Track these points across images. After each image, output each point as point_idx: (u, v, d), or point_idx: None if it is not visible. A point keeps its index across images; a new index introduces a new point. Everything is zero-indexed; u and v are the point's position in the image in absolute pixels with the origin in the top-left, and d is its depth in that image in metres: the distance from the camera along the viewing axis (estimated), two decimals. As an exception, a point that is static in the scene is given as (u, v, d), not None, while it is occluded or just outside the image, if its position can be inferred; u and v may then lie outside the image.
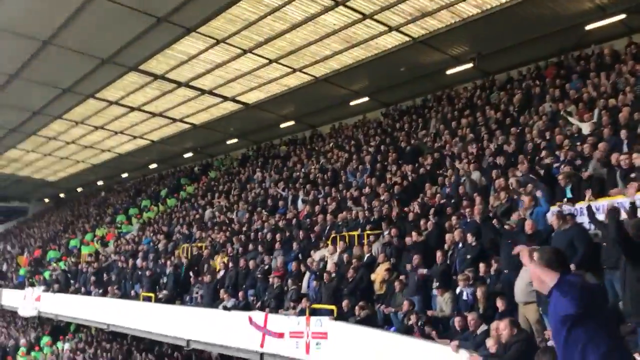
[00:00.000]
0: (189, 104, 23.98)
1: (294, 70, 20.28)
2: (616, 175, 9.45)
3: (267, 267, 14.45)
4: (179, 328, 15.43)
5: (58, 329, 25.93)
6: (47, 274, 26.05)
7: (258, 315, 12.69)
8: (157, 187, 32.75)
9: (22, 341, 26.67)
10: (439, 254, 10.62)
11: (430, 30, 16.96)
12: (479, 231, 10.31)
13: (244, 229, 18.21)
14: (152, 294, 17.24)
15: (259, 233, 16.85)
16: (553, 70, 16.85)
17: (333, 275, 12.20)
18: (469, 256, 10.09)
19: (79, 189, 41.25)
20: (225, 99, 23.21)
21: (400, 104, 22.36)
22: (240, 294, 14.07)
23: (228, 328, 13.59)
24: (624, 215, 7.54)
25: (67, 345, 24.62)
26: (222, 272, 15.67)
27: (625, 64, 14.27)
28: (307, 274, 13.18)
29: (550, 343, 6.62)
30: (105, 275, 21.43)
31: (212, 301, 14.91)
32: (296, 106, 24.10)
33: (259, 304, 13.53)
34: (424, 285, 10.62)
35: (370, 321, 10.67)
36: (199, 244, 19.21)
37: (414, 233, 11.56)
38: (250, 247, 16.15)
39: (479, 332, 8.13)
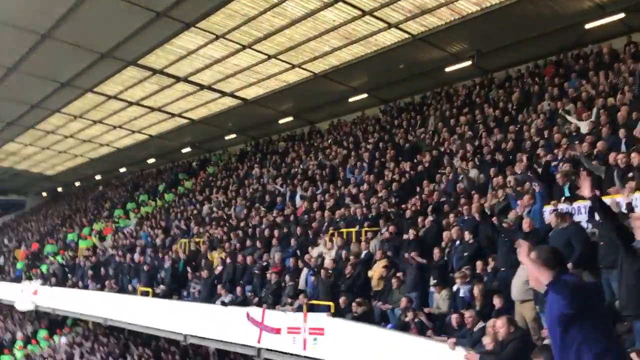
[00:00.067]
0: (188, 99, 23.95)
1: (293, 66, 20.26)
2: (614, 175, 9.47)
3: (265, 263, 14.47)
4: (176, 323, 15.44)
5: (55, 322, 25.92)
6: (44, 268, 26.04)
7: (255, 311, 12.71)
8: (155, 182, 32.74)
9: (19, 335, 26.65)
10: (436, 251, 10.65)
11: (429, 27, 16.96)
12: (476, 229, 10.34)
13: (242, 224, 18.21)
14: (149, 289, 17.25)
15: (257, 229, 16.86)
16: (552, 68, 16.86)
17: (330, 271, 12.23)
18: (466, 254, 10.11)
19: (77, 183, 41.19)
20: (224, 94, 23.19)
21: (399, 101, 22.35)
22: (238, 289, 14.10)
23: (225, 323, 13.61)
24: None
25: (64, 339, 24.62)
26: (219, 268, 15.69)
27: (624, 63, 14.29)
28: (305, 270, 13.20)
29: (547, 341, 6.65)
30: (102, 269, 21.42)
31: (210, 296, 14.93)
32: (295, 102, 24.09)
33: (256, 299, 13.56)
34: (421, 281, 10.65)
35: (367, 318, 10.69)
36: (197, 239, 19.21)
37: (411, 230, 11.57)
38: (248, 242, 16.16)
39: (475, 329, 8.16)
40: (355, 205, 14.75)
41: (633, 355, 5.81)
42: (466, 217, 11.06)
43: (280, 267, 14.01)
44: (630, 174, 9.11)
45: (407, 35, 17.48)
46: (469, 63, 18.40)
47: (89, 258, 23.28)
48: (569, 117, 13.10)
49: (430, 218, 11.91)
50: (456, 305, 9.37)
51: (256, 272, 14.30)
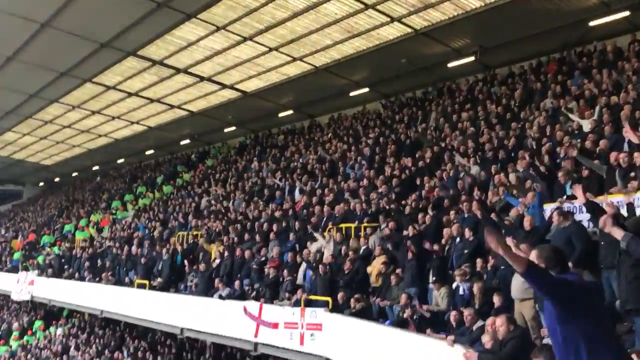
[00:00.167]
0: (187, 90, 23.81)
1: (294, 59, 20.14)
2: (615, 174, 9.39)
3: (263, 258, 14.39)
4: (173, 316, 15.38)
5: (51, 313, 25.88)
6: (41, 259, 25.97)
7: (253, 305, 12.66)
8: (153, 173, 32.64)
9: (15, 325, 26.64)
10: (435, 247, 10.58)
11: (432, 22, 16.84)
12: (476, 226, 10.26)
13: (240, 218, 18.12)
14: (146, 282, 17.18)
15: (256, 223, 16.78)
16: (555, 65, 16.77)
17: (328, 267, 12.16)
18: (466, 251, 10.05)
19: (74, 174, 41.07)
20: (224, 86, 23.06)
21: (401, 96, 22.24)
22: (237, 283, 14.03)
23: (222, 317, 13.56)
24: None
25: (60, 330, 24.59)
26: (217, 261, 15.62)
27: (628, 61, 14.19)
28: (303, 265, 13.13)
29: (546, 340, 6.59)
30: (99, 261, 21.37)
31: (207, 290, 14.87)
32: (295, 95, 23.96)
33: (254, 293, 13.50)
34: (420, 278, 10.59)
35: (365, 314, 10.64)
36: (195, 232, 19.14)
37: (410, 227, 11.49)
38: (247, 236, 16.09)
39: (474, 328, 8.09)
40: (354, 201, 14.67)
41: (634, 355, 5.74)
42: (466, 215, 10.99)
43: (279, 261, 13.95)
44: (633, 174, 9.02)
45: (409, 30, 17.35)
46: (471, 59, 18.29)
47: (85, 249, 23.22)
48: (571, 115, 13.02)
49: (430, 214, 11.84)
50: (455, 303, 9.31)
51: (254, 266, 14.23)
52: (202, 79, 22.33)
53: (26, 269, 25.37)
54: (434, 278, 10.14)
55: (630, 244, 4.99)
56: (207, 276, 15.28)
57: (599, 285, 7.88)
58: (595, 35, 16.41)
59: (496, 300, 8.39)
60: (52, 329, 25.15)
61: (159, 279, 17.10)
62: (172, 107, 25.93)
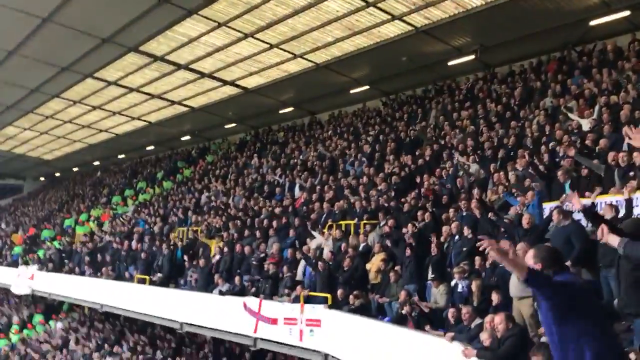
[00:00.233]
0: (188, 86, 23.82)
1: (295, 56, 20.15)
2: (614, 173, 9.43)
3: (262, 255, 14.46)
4: (172, 311, 15.47)
5: (51, 307, 25.96)
6: (41, 253, 26.03)
7: (252, 301, 12.73)
8: (154, 169, 32.67)
9: (15, 319, 26.71)
10: (434, 245, 10.63)
11: (433, 20, 16.85)
12: (475, 224, 10.33)
13: (240, 214, 18.18)
14: (146, 277, 17.25)
15: (256, 219, 16.84)
16: (555, 65, 16.80)
17: (328, 263, 12.22)
18: (464, 249, 10.11)
19: (75, 169, 41.10)
20: (225, 82, 23.07)
21: (401, 94, 22.27)
22: (237, 279, 14.10)
23: (222, 312, 13.64)
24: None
25: (59, 324, 24.67)
26: (217, 257, 15.68)
27: (628, 60, 14.21)
28: (303, 261, 13.19)
29: (544, 339, 6.65)
30: (99, 256, 21.43)
31: (207, 285, 14.94)
32: (296, 92, 23.99)
33: (253, 289, 13.57)
34: (419, 275, 10.65)
35: (364, 310, 10.70)
36: (195, 228, 19.20)
37: (409, 225, 11.55)
38: (247, 232, 16.14)
39: (472, 325, 8.16)
40: (354, 198, 14.73)
41: (632, 354, 5.80)
42: (465, 213, 11.04)
43: (278, 257, 14.01)
44: (632, 173, 9.07)
45: (410, 28, 17.37)
46: (472, 57, 18.32)
47: (86, 244, 23.28)
48: (570, 115, 13.06)
49: (429, 212, 11.89)
50: (454, 300, 9.37)
51: (254, 262, 14.29)
52: (203, 75, 22.33)
53: (26, 263, 25.43)
54: (432, 275, 10.20)
55: (626, 248, 5.03)
56: (206, 271, 15.35)
57: (596, 284, 7.97)
58: (595, 34, 16.43)
59: (495, 298, 8.44)
60: (52, 322, 25.24)
61: (159, 274, 17.17)
62: (172, 103, 25.94)
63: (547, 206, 9.69)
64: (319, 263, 12.22)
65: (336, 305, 11.14)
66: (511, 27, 16.73)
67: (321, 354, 10.87)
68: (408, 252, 10.79)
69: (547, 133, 12.82)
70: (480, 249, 3.74)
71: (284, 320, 11.73)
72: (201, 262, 15.78)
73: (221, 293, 14.03)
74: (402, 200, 13.38)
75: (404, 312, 9.59)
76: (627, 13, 15.03)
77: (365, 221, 13.23)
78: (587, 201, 8.68)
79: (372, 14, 16.76)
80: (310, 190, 17.24)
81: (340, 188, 16.14)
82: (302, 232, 14.55)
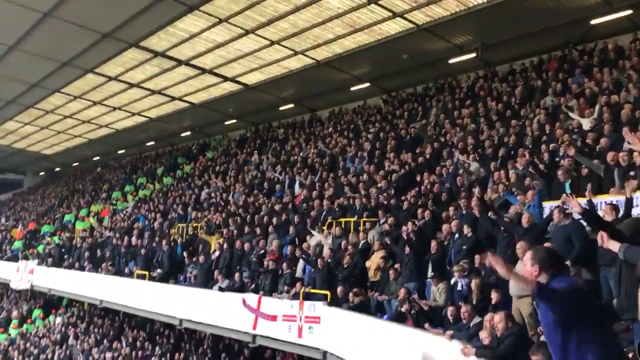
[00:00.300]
0: (189, 82, 23.80)
1: (296, 53, 20.13)
2: (614, 173, 9.42)
3: (262, 251, 14.47)
4: (172, 307, 15.48)
5: (50, 302, 25.99)
6: (41, 248, 26.06)
7: (251, 298, 12.75)
8: (154, 164, 32.67)
9: (14, 314, 26.74)
10: (433, 243, 10.64)
11: (434, 17, 16.82)
12: (475, 222, 10.33)
13: (240, 210, 18.19)
14: (146, 272, 17.26)
15: (256, 216, 16.85)
16: (556, 63, 16.78)
17: (327, 261, 12.23)
18: (464, 247, 10.12)
19: (75, 164, 41.10)
20: (225, 79, 23.05)
21: (402, 91, 22.25)
22: (236, 275, 14.11)
23: (221, 309, 13.66)
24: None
25: (59, 319, 24.70)
26: (216, 253, 15.69)
27: (630, 60, 14.20)
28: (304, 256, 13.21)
29: (544, 338, 6.66)
30: (99, 251, 21.45)
31: (206, 281, 14.96)
32: (296, 89, 23.97)
33: (253, 286, 13.58)
34: (418, 273, 10.66)
35: (363, 308, 10.72)
36: (195, 224, 19.21)
37: (409, 223, 11.55)
38: (246, 229, 16.15)
39: (472, 324, 8.17)
40: (354, 195, 14.73)
41: (632, 355, 5.81)
42: (464, 212, 11.04)
43: (278, 254, 14.02)
44: (632, 173, 9.06)
45: (411, 25, 17.34)
46: (473, 55, 18.30)
47: (85, 239, 23.29)
48: (571, 114, 13.05)
49: (429, 210, 11.90)
50: (453, 299, 9.38)
51: (253, 259, 14.31)
52: (203, 71, 22.32)
53: (26, 257, 25.47)
54: (432, 273, 10.21)
55: (626, 253, 5.04)
56: (206, 268, 15.36)
57: (595, 283, 7.97)
58: (596, 33, 16.41)
59: (494, 296, 8.45)
60: (51, 317, 25.27)
61: (159, 270, 17.19)
62: (173, 98, 25.92)
63: (547, 205, 9.69)
64: (318, 260, 12.24)
65: (335, 302, 11.15)
66: (512, 25, 16.71)
67: (320, 351, 10.90)
68: (407, 250, 10.80)
69: (547, 132, 12.81)
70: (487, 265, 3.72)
71: (283, 317, 11.76)
72: (201, 258, 15.80)
73: (221, 289, 14.05)
74: (402, 198, 13.39)
75: (403, 309, 9.60)
76: (628, 12, 15.02)
77: (365, 219, 13.24)
78: (584, 200, 8.69)
79: (373, 11, 16.73)
80: (310, 187, 17.24)
81: (340, 185, 16.14)
82: (301, 229, 14.57)
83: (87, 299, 21.00)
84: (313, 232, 14.07)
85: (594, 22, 15.65)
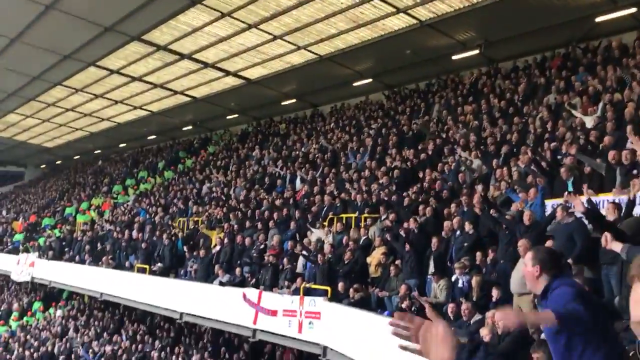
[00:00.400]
0: (191, 76, 23.78)
1: (299, 48, 20.09)
2: (616, 172, 9.39)
3: (262, 246, 14.47)
4: (172, 301, 15.49)
5: (51, 295, 26.02)
6: (41, 241, 26.08)
7: (252, 292, 12.75)
8: (155, 158, 32.66)
9: (15, 306, 26.79)
10: (434, 240, 10.62)
11: (438, 13, 16.78)
12: (476, 219, 10.31)
13: (241, 205, 18.19)
14: (146, 266, 17.28)
15: (257, 210, 16.84)
16: (559, 61, 16.73)
17: (328, 257, 12.23)
18: (465, 244, 10.10)
19: (76, 157, 41.12)
20: (228, 73, 23.02)
21: (404, 87, 22.20)
22: (237, 270, 14.12)
23: (221, 303, 13.66)
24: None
25: (59, 312, 24.74)
26: (217, 248, 15.70)
27: (634, 58, 14.14)
28: (304, 253, 13.20)
29: (544, 336, 6.65)
30: (99, 244, 21.46)
31: (207, 276, 14.97)
32: (298, 84, 23.94)
33: (253, 280, 13.59)
34: (419, 270, 10.65)
35: (364, 304, 10.71)
36: (196, 218, 19.21)
37: (411, 220, 11.53)
38: (247, 224, 16.15)
39: (472, 321, 8.17)
40: (355, 191, 14.72)
41: (632, 353, 5.80)
42: (466, 209, 11.02)
43: (279, 249, 14.02)
44: (635, 171, 9.03)
45: (415, 21, 17.29)
46: (476, 52, 18.25)
47: (86, 233, 23.31)
48: (574, 112, 13.00)
49: (431, 207, 11.87)
50: (454, 296, 9.37)
51: (254, 254, 14.30)
52: (206, 65, 22.28)
53: (27, 250, 25.51)
54: (433, 270, 10.20)
55: (629, 253, 5.02)
56: (207, 262, 15.37)
57: (596, 282, 7.95)
58: (600, 31, 16.34)
59: (495, 293, 8.45)
60: (51, 310, 25.31)
61: (159, 264, 17.20)
62: (175, 92, 25.91)
63: (549, 203, 9.66)
64: (318, 256, 12.23)
65: (336, 298, 11.15)
66: (516, 22, 16.65)
67: (320, 347, 10.89)
68: (407, 247, 10.78)
69: (550, 130, 12.77)
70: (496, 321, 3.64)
71: (284, 312, 11.75)
72: (201, 252, 15.80)
73: (221, 284, 14.05)
74: (404, 194, 13.36)
75: (403, 306, 9.60)
76: (633, 10, 14.96)
77: (366, 215, 13.23)
78: (585, 198, 8.67)
79: (376, 6, 16.68)
80: (312, 182, 17.22)
81: (342, 181, 16.13)
82: (302, 225, 14.56)
83: (87, 292, 21.02)
84: (313, 230, 14.05)
85: (598, 19, 15.59)
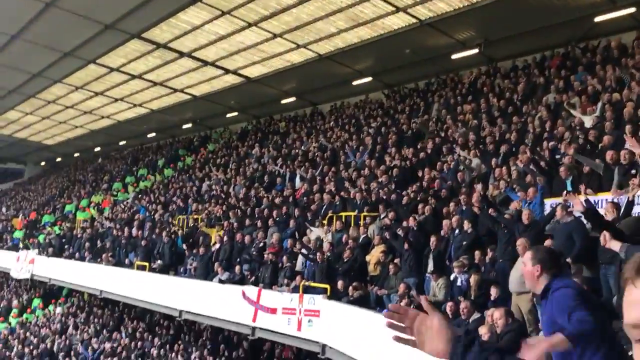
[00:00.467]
0: (191, 74, 23.79)
1: (298, 46, 20.10)
2: (614, 171, 9.42)
3: (261, 244, 14.51)
4: (172, 298, 15.53)
5: (50, 292, 26.07)
6: (41, 238, 26.10)
7: (251, 290, 12.78)
8: (155, 156, 32.68)
9: (15, 303, 26.82)
10: (433, 239, 10.66)
11: (438, 13, 16.79)
12: (475, 218, 10.35)
13: (241, 203, 18.22)
14: (146, 264, 17.31)
15: (256, 208, 16.88)
16: (558, 60, 16.76)
17: (327, 255, 12.27)
18: (464, 243, 10.14)
19: (76, 154, 41.11)
20: (227, 71, 23.03)
21: (404, 86, 22.22)
22: (236, 268, 14.15)
23: (221, 301, 13.70)
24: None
25: (59, 309, 24.78)
26: (217, 245, 15.73)
27: (633, 58, 14.17)
28: (304, 251, 13.23)
29: (542, 334, 6.69)
30: (99, 242, 21.49)
31: (206, 274, 15.00)
32: (298, 82, 23.95)
33: (253, 278, 13.62)
34: (418, 268, 10.69)
35: (363, 302, 10.75)
36: (195, 216, 19.25)
37: (411, 218, 11.57)
38: (247, 222, 16.18)
39: (471, 320, 8.20)
40: (354, 190, 14.75)
41: (631, 353, 5.83)
42: (465, 208, 11.05)
43: (278, 247, 14.06)
44: (633, 171, 9.06)
45: (414, 20, 17.31)
46: (475, 51, 18.26)
47: (86, 230, 23.33)
48: (573, 111, 13.04)
49: (430, 205, 11.91)
50: (453, 294, 9.41)
51: (253, 252, 14.34)
52: (205, 63, 22.29)
53: (27, 247, 25.52)
54: (431, 269, 10.24)
55: (628, 253, 5.06)
56: (206, 260, 15.40)
57: (595, 281, 7.99)
58: (600, 31, 16.35)
59: (493, 292, 8.48)
60: (51, 307, 25.34)
61: (159, 262, 17.23)
62: (175, 90, 25.91)
63: (548, 202, 9.70)
64: (318, 254, 12.27)
65: (335, 296, 11.18)
66: (516, 21, 16.67)
67: (319, 345, 10.93)
68: (406, 245, 10.82)
69: (548, 129, 12.81)
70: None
71: (283, 310, 11.79)
72: (201, 250, 15.84)
73: (221, 282, 14.09)
74: (403, 193, 13.40)
75: (402, 304, 9.61)
76: (632, 10, 14.97)
77: (365, 213, 13.26)
78: (583, 197, 8.71)
79: (376, 5, 16.69)
80: (311, 181, 17.26)
81: (341, 180, 16.16)
82: (302, 223, 14.60)
83: (87, 289, 21.07)
84: (312, 228, 14.09)
85: (597, 19, 15.61)
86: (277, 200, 16.97)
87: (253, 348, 15.98)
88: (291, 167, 19.44)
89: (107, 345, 19.67)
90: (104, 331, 21.08)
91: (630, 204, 8.22)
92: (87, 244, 21.44)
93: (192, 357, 17.15)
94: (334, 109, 24.54)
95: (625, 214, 7.96)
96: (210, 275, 14.77)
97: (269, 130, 26.55)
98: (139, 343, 19.24)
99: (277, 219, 15.40)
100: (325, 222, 14.09)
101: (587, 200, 8.51)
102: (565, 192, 9.35)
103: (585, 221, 8.22)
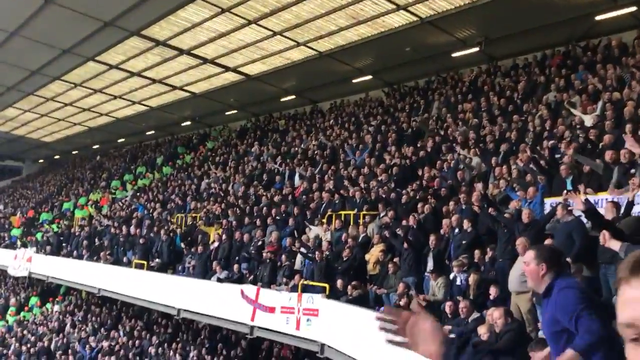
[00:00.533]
0: (190, 72, 23.73)
1: (298, 44, 20.04)
2: (614, 172, 9.37)
3: (260, 242, 14.46)
4: (170, 297, 15.48)
5: (48, 290, 26.01)
6: (39, 236, 26.04)
7: (250, 289, 12.73)
8: (154, 154, 32.62)
9: (12, 301, 26.76)
10: (432, 238, 10.61)
11: (438, 11, 16.74)
12: (475, 217, 10.30)
13: (240, 201, 18.17)
14: (144, 262, 17.26)
15: (255, 207, 16.83)
16: (559, 59, 16.71)
17: (326, 254, 12.22)
18: (464, 242, 10.10)
19: (75, 152, 41.04)
20: (227, 69, 22.97)
21: (404, 84, 22.18)
22: (235, 267, 14.10)
23: (219, 299, 13.64)
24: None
25: (56, 307, 24.73)
26: (215, 244, 15.68)
27: (633, 57, 14.12)
28: (303, 250, 13.19)
29: (541, 333, 6.65)
30: (97, 240, 21.43)
31: (205, 272, 14.96)
32: (298, 80, 23.89)
33: (251, 277, 13.58)
34: (417, 267, 10.64)
35: (362, 301, 10.71)
36: (194, 214, 19.19)
37: (411, 217, 11.52)
38: (246, 220, 16.13)
39: (470, 319, 8.16)
40: (354, 188, 14.71)
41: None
42: (464, 206, 11.01)
43: (277, 246, 14.01)
44: (633, 170, 9.02)
45: (415, 18, 17.25)
46: (476, 49, 18.21)
47: (84, 228, 23.27)
48: (573, 110, 13.00)
49: (429, 205, 11.86)
50: (452, 293, 9.36)
51: (252, 251, 14.29)
52: (205, 61, 22.23)
53: (24, 245, 25.45)
54: (431, 268, 10.19)
55: (627, 252, 5.01)
56: (204, 258, 15.36)
57: (595, 280, 7.95)
58: (600, 29, 16.34)
59: (492, 292, 8.44)
60: (49, 305, 25.29)
61: (157, 260, 17.18)
62: (174, 88, 25.85)
63: (548, 201, 9.66)
64: (317, 253, 12.22)
65: (334, 295, 11.14)
66: (516, 20, 16.63)
67: (318, 344, 10.88)
68: (406, 244, 10.77)
69: (549, 128, 12.77)
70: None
71: (282, 309, 11.73)
72: (199, 248, 15.79)
73: (219, 280, 14.04)
74: (403, 192, 13.35)
75: (401, 304, 9.59)
76: (633, 9, 14.94)
77: (364, 212, 13.22)
78: (583, 197, 8.65)
79: (376, 3, 16.63)
80: (310, 179, 17.21)
81: (341, 178, 16.12)
82: (301, 222, 14.55)
83: (85, 287, 20.98)
84: (311, 226, 14.05)
85: (598, 18, 15.58)
86: (276, 199, 16.93)
87: (251, 347, 15.94)
88: (290, 165, 19.39)
89: (105, 344, 19.62)
90: (102, 329, 21.03)
91: (630, 204, 8.17)
92: (85, 242, 21.37)
93: (190, 355, 17.11)
94: (333, 107, 24.49)
95: (625, 213, 7.91)
96: (209, 274, 14.72)
97: (268, 128, 26.50)
98: (137, 342, 19.18)
99: (276, 217, 15.35)
100: (324, 220, 14.03)
101: (587, 200, 8.48)
102: (565, 191, 9.31)
103: (585, 220, 8.18)
